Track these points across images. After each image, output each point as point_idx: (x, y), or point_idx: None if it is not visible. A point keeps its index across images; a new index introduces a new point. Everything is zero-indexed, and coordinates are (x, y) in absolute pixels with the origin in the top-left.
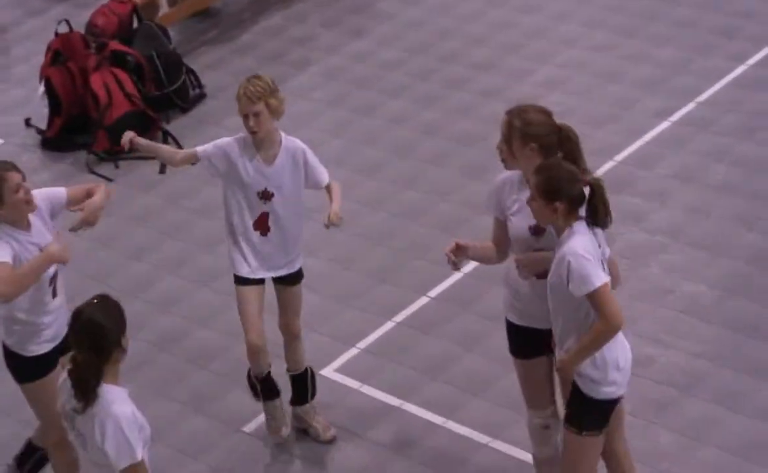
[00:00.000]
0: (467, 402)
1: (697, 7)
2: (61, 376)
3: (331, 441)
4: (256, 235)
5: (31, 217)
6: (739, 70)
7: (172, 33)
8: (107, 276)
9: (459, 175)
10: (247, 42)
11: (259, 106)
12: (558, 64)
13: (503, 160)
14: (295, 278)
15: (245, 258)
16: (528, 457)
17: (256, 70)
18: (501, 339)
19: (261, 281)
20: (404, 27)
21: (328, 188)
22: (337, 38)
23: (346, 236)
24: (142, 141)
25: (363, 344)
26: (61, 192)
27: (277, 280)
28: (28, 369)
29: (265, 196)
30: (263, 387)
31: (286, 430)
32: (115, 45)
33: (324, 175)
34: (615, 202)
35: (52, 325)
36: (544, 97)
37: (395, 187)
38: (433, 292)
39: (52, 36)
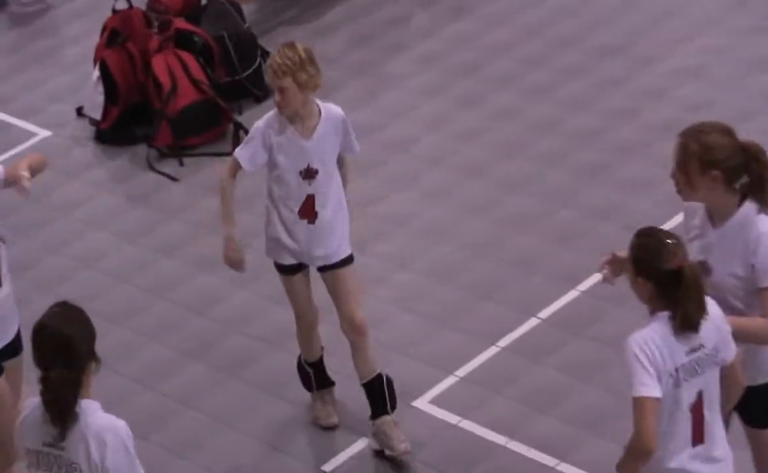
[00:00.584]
0: (582, 442)
1: None
2: (18, 415)
3: (405, 454)
4: (303, 223)
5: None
6: None
7: (246, 11)
8: (168, 288)
9: (576, 178)
10: (332, 22)
11: (285, 81)
12: (694, 50)
13: (679, 191)
14: (345, 262)
15: (289, 248)
16: None
17: (342, 54)
18: (622, 369)
19: (306, 267)
20: (513, 6)
21: (344, 161)
22: (435, 19)
23: (444, 247)
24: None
25: (462, 372)
26: None
27: (326, 268)
28: None
29: (309, 174)
30: (316, 374)
31: (336, 419)
32: (180, 24)
33: (357, 146)
34: None
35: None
36: (675, 89)
37: (501, 191)
38: (544, 313)
39: (108, 13)
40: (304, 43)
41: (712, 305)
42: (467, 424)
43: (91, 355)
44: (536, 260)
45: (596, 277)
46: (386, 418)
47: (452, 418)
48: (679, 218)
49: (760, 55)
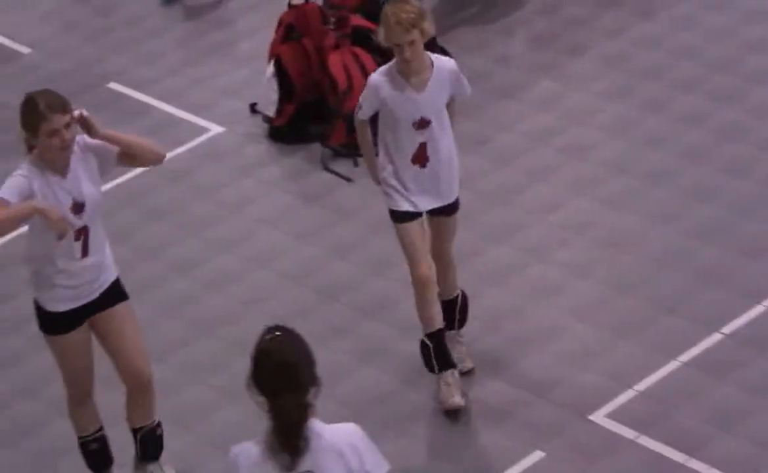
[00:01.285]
0: (766, 463)
1: None
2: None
3: (468, 373)
4: (415, 169)
5: (75, 164)
6: None
7: (426, 7)
8: (341, 291)
9: (764, 188)
10: (514, 22)
11: (414, 34)
12: None
13: None
14: (453, 208)
15: (404, 194)
16: None
17: (523, 55)
18: None
19: (421, 214)
20: (703, 7)
21: (453, 102)
22: (621, 19)
23: (624, 257)
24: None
25: (642, 386)
26: (113, 150)
27: (435, 212)
28: (47, 322)
29: (422, 124)
30: (437, 353)
31: (459, 399)
32: (357, 20)
33: (468, 88)
34: None
35: (75, 287)
36: None
37: (688, 200)
38: (728, 328)
39: (284, 7)
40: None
41: None
42: (645, 440)
43: (315, 379)
44: (721, 273)
45: None
46: (452, 333)
47: (629, 433)
48: None
49: None
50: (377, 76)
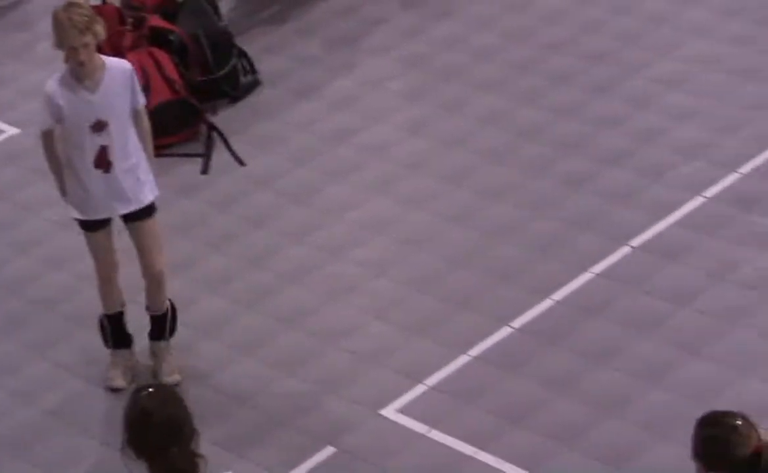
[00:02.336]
0: (555, 454)
1: None
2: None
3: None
4: (98, 173)
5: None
6: None
7: (223, 8)
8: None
9: (561, 187)
10: (313, 22)
11: (88, 36)
12: (683, 58)
13: None
14: (146, 213)
15: (89, 202)
16: None
17: (323, 56)
18: (597, 381)
19: (108, 221)
20: (502, 8)
21: (137, 113)
22: (421, 20)
23: (422, 255)
24: None
25: (432, 381)
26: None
27: (128, 218)
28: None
29: (99, 126)
30: (114, 331)
31: (121, 382)
32: (156, 21)
33: (143, 99)
34: (741, 221)
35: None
36: (663, 95)
37: (484, 200)
38: (517, 323)
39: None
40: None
41: None
42: (436, 434)
43: (194, 429)
44: (513, 270)
45: (572, 287)
46: (162, 343)
47: (420, 427)
48: (660, 226)
49: (747, 65)
50: (51, 84)
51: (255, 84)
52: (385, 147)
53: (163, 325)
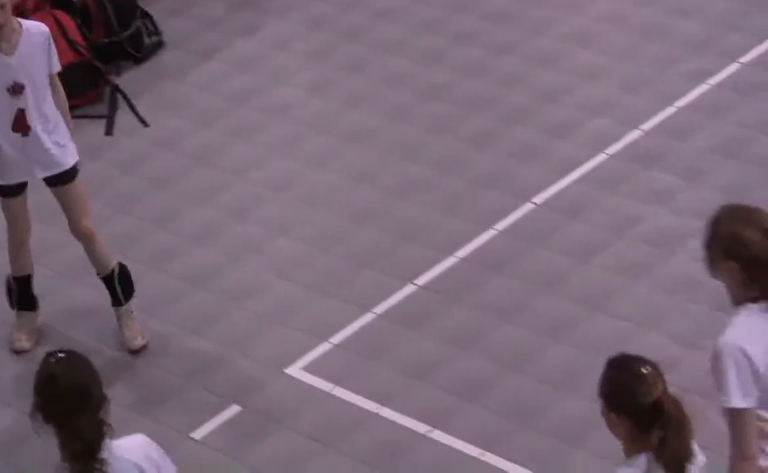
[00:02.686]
0: (458, 410)
1: None
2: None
3: (136, 352)
4: (16, 137)
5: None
6: None
7: None
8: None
9: (465, 145)
10: None
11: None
12: (590, 16)
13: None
14: (69, 176)
15: (7, 165)
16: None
17: (226, 16)
18: (499, 337)
19: (24, 186)
20: None
21: (54, 78)
22: None
23: (326, 214)
24: None
25: (336, 339)
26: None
27: (50, 182)
28: None
29: (16, 89)
30: (20, 293)
31: (26, 344)
32: None
33: (58, 64)
34: (643, 178)
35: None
36: (569, 56)
37: (387, 159)
38: (421, 280)
39: None
40: None
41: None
42: (340, 391)
43: (104, 396)
44: (418, 228)
45: (476, 244)
46: (121, 309)
47: (325, 385)
48: (563, 183)
49: (652, 24)
50: None
51: (159, 45)
52: (288, 107)
53: (113, 289)
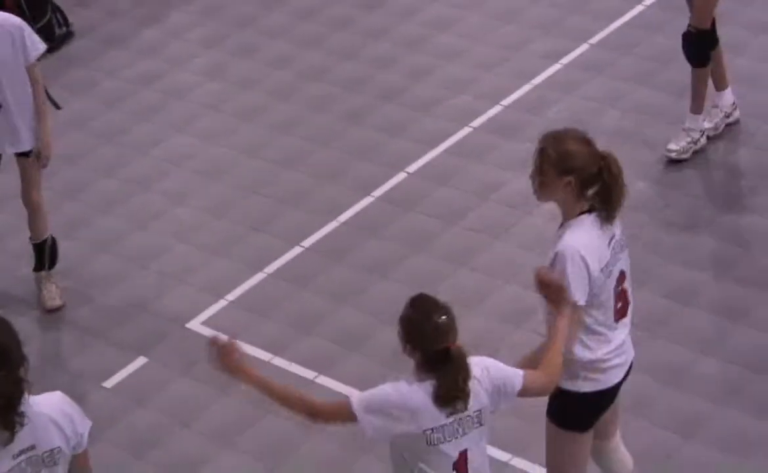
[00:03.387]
0: (341, 358)
1: None
2: None
3: (53, 311)
4: None
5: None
6: (636, 10)
7: None
8: None
9: (343, 121)
10: None
11: None
12: (450, 3)
13: (535, 192)
14: (29, 154)
15: None
16: None
17: (130, 9)
18: (377, 293)
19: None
20: None
21: (30, 68)
22: None
23: (220, 184)
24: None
25: (232, 296)
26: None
27: (19, 155)
28: None
29: None
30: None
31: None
32: None
33: (32, 54)
34: (504, 148)
35: None
36: (432, 37)
37: (273, 133)
38: (307, 242)
39: None
40: None
41: (475, 367)
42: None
43: (23, 356)
44: (302, 195)
45: (355, 210)
46: (42, 273)
47: (222, 338)
48: (432, 154)
49: (507, 8)
50: None
51: (68, 35)
52: (185, 90)
53: (41, 255)
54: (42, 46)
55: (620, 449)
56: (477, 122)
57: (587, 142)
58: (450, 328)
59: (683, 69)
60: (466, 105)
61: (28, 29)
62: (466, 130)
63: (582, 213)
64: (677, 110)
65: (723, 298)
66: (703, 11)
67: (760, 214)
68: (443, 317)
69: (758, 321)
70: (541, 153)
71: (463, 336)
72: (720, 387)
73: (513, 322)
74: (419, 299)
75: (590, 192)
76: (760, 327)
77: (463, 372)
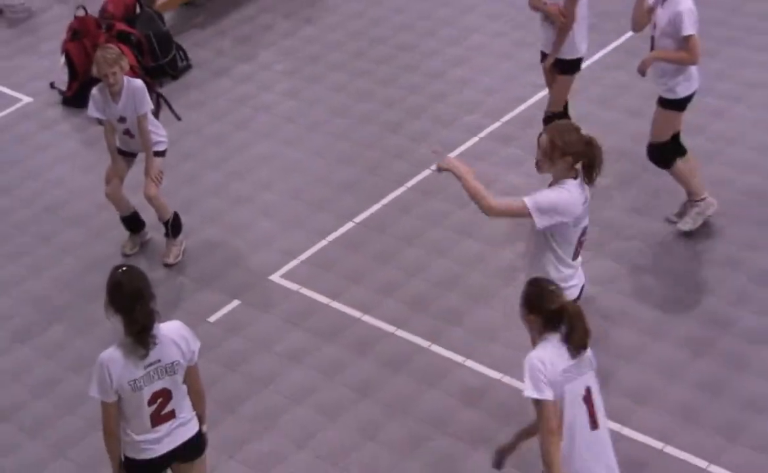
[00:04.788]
0: (380, 302)
1: None
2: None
3: (172, 266)
4: (126, 138)
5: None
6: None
7: (166, 18)
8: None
9: (382, 131)
10: (226, 26)
11: (115, 68)
12: (464, 46)
13: (539, 167)
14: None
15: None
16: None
17: (232, 49)
18: (407, 256)
19: (128, 154)
20: (345, 17)
21: (142, 118)
22: (294, 25)
23: (295, 176)
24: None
25: (303, 257)
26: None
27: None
28: None
29: (122, 120)
30: (128, 223)
31: (129, 251)
32: (121, 26)
33: (143, 109)
34: (502, 153)
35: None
36: (449, 70)
37: (333, 139)
38: (357, 219)
39: (71, 19)
40: (113, 47)
41: None
42: (305, 291)
43: (153, 294)
44: (354, 185)
45: (393, 196)
46: (169, 239)
47: (294, 287)
48: (450, 156)
49: (506, 51)
50: (94, 94)
51: (187, 67)
52: (270, 106)
53: (167, 228)
54: (149, 106)
55: None
56: (483, 133)
57: (578, 130)
58: (561, 293)
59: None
60: (474, 121)
61: (143, 92)
62: (474, 139)
63: (571, 177)
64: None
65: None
66: (559, 99)
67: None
68: (553, 286)
69: None
70: (551, 142)
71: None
72: None
73: (503, 278)
74: (534, 279)
75: (578, 165)
76: None
77: (583, 321)
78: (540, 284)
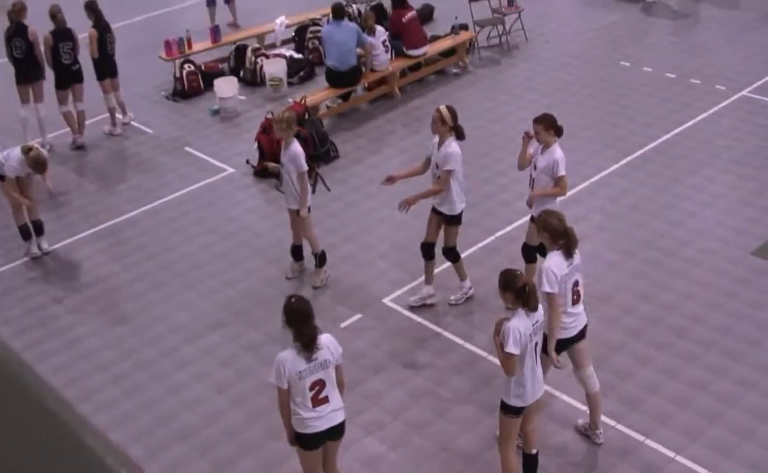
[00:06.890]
0: (484, 325)
1: None
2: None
3: (316, 288)
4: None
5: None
6: None
7: (324, 122)
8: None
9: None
10: (363, 130)
11: (289, 131)
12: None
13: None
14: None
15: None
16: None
17: (366, 145)
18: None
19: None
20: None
21: (302, 176)
22: (409, 131)
23: (400, 232)
24: None
25: (406, 288)
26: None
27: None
28: None
29: (278, 177)
30: (293, 253)
31: (291, 275)
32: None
33: (300, 167)
34: None
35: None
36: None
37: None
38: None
39: (263, 118)
40: (288, 112)
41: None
42: (408, 314)
43: (313, 315)
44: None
45: (503, 230)
46: (317, 269)
47: (402, 309)
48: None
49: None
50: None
51: (337, 156)
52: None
53: (316, 259)
54: (304, 167)
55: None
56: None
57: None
58: (522, 275)
59: None
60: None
61: (302, 160)
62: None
63: (555, 249)
64: None
65: None
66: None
67: None
68: (518, 272)
69: None
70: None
71: None
72: None
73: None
74: (506, 270)
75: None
76: None
77: (535, 292)
78: (510, 271)
